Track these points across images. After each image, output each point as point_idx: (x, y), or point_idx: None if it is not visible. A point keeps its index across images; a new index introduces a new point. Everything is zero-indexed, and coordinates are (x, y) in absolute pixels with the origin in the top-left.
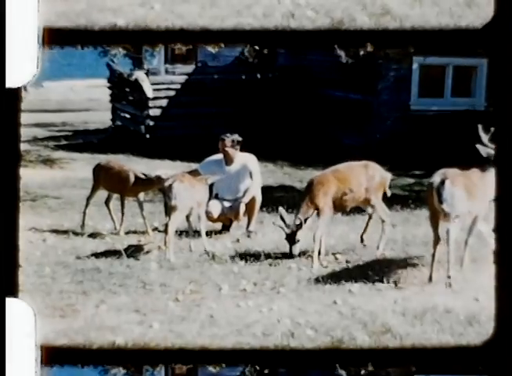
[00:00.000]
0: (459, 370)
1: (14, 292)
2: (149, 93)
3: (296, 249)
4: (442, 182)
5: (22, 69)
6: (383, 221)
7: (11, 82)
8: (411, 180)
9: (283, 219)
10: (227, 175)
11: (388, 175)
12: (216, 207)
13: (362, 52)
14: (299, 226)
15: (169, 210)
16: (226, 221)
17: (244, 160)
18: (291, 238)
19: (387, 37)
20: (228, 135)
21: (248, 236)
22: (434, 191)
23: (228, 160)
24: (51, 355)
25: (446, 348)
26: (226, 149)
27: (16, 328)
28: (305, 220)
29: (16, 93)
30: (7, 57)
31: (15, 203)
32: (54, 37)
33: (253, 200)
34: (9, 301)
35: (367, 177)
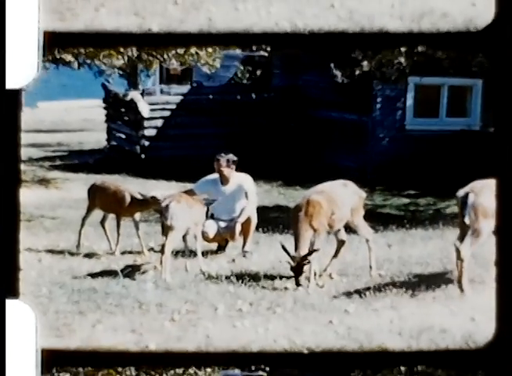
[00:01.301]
0: (460, 373)
1: (15, 294)
2: (145, 113)
3: (302, 279)
4: (466, 195)
5: (22, 70)
6: (367, 240)
7: (11, 83)
8: (406, 200)
9: (286, 251)
10: (222, 195)
11: (364, 194)
12: (212, 228)
13: (357, 72)
14: (305, 259)
15: (166, 230)
16: (222, 241)
17: (240, 180)
18: (298, 270)
19: (382, 40)
20: (223, 154)
21: (244, 256)
22: (459, 204)
23: (223, 180)
24: (51, 357)
25: (447, 350)
26: (222, 169)
27: (17, 330)
28: (311, 252)
29: (16, 94)
30: (7, 58)
31: (15, 205)
32: (54, 41)
33: (248, 220)
34: (10, 303)
35: (349, 196)
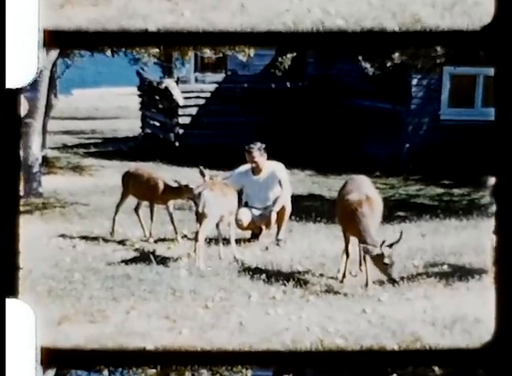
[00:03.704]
0: (459, 373)
1: (14, 293)
2: (180, 100)
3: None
4: None
5: (22, 70)
6: None
7: (11, 83)
8: (440, 190)
9: (367, 251)
10: (256, 184)
11: None
12: (246, 216)
13: (389, 64)
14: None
15: (199, 218)
16: (256, 229)
17: (272, 168)
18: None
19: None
20: (252, 145)
21: (277, 245)
22: (489, 192)
23: (256, 170)
24: (51, 357)
25: (446, 350)
26: (256, 160)
27: (16, 329)
28: (398, 240)
29: (15, 94)
30: (7, 58)
31: (15, 203)
32: (55, 40)
33: (283, 208)
34: (9, 302)
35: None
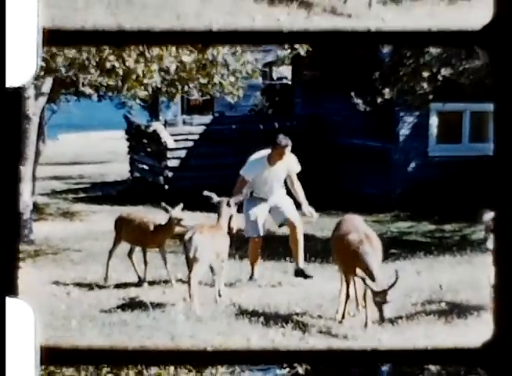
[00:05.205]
0: (458, 372)
1: (14, 292)
2: (170, 143)
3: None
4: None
5: (22, 68)
6: None
7: (11, 82)
8: (432, 226)
9: (369, 286)
10: (268, 174)
11: None
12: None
13: (379, 100)
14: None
15: (190, 262)
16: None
17: (287, 160)
18: (383, 302)
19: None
20: (285, 139)
21: (273, 286)
22: (484, 228)
23: (274, 161)
24: (51, 355)
25: (445, 349)
26: (285, 155)
27: (16, 328)
28: (395, 281)
29: (15, 92)
30: (7, 56)
31: (15, 201)
32: (54, 38)
33: (294, 228)
34: (9, 301)
35: None
